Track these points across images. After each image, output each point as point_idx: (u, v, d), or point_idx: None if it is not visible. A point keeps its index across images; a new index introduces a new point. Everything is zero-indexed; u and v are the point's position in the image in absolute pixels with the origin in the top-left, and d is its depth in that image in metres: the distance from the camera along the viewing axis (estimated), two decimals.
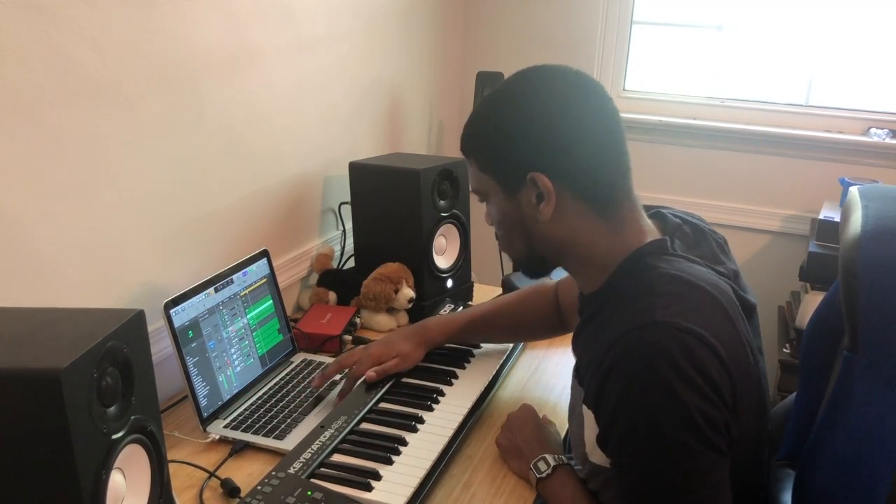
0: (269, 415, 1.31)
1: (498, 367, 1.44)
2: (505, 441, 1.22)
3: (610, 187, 0.97)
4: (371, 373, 1.33)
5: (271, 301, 1.50)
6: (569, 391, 1.41)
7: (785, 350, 2.08)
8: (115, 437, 0.83)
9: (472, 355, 1.47)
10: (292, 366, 1.48)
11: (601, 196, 0.96)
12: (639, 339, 0.85)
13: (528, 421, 1.23)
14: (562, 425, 1.31)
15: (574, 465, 1.11)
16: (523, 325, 1.45)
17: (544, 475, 1.11)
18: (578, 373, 1.04)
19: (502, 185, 1.00)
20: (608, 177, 0.96)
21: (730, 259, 1.04)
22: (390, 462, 1.13)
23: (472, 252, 1.85)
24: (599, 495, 1.05)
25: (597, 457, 0.97)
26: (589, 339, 1.01)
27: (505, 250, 1.08)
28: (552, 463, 1.11)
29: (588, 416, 0.96)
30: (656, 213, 1.05)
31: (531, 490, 1.14)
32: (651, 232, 0.99)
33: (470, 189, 1.07)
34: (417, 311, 1.70)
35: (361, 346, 1.39)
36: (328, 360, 1.50)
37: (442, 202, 1.72)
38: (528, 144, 0.96)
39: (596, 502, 1.06)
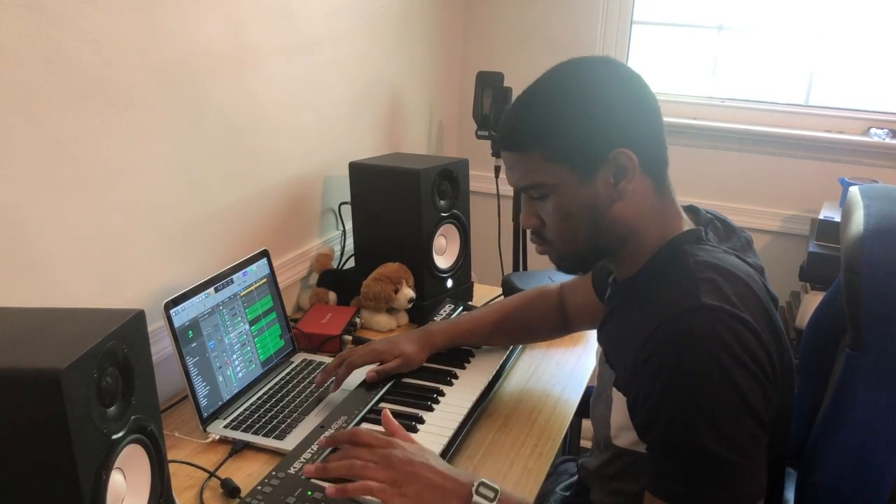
0: (269, 415, 1.31)
1: (498, 367, 1.44)
2: (409, 496, 0.96)
3: (664, 161, 1.00)
4: (371, 373, 1.33)
5: (271, 301, 1.50)
6: (569, 391, 1.42)
7: None
8: (115, 437, 0.82)
9: (472, 355, 1.47)
10: (292, 366, 1.48)
11: (660, 170, 1.00)
12: (688, 322, 0.86)
13: (426, 459, 1.01)
14: (563, 424, 1.31)
15: (587, 456, 1.11)
16: (527, 327, 1.45)
17: (495, 500, 0.96)
18: (609, 357, 1.05)
19: (578, 169, 0.96)
20: (662, 150, 1.00)
21: (756, 256, 1.06)
22: None
23: (472, 252, 1.85)
24: (615, 481, 1.05)
25: (622, 440, 0.98)
26: (622, 324, 1.02)
27: (557, 246, 1.03)
28: (495, 486, 0.97)
29: (618, 398, 0.96)
30: (690, 208, 1.07)
31: (531, 491, 1.14)
32: (685, 220, 1.02)
33: (516, 187, 1.02)
34: (417, 311, 1.70)
35: (365, 344, 1.40)
36: (328, 360, 1.50)
37: (442, 202, 1.72)
38: (609, 120, 0.95)
39: None
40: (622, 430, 0.97)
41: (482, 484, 0.96)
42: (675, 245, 0.98)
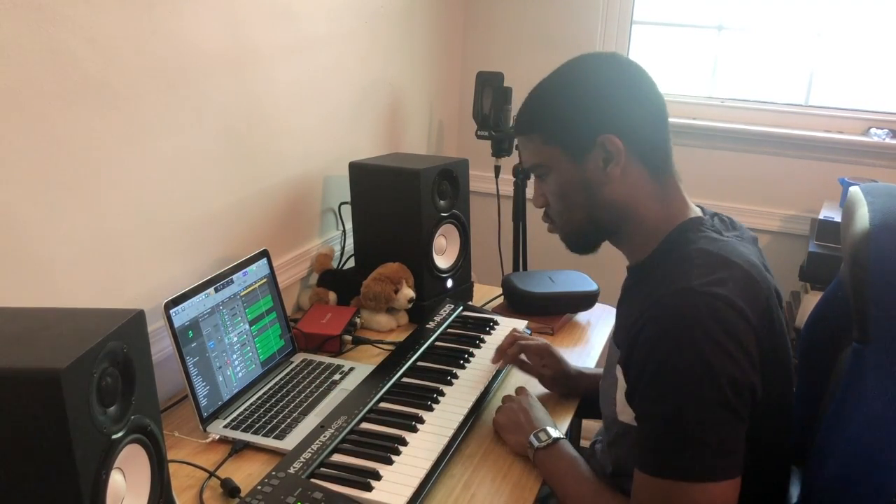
0: (269, 415, 1.31)
1: (498, 366, 1.44)
2: (504, 418, 1.26)
3: (663, 151, 1.05)
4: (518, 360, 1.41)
5: (271, 301, 1.50)
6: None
7: None
8: (115, 437, 0.82)
9: (473, 355, 1.47)
10: (292, 366, 1.48)
11: (657, 159, 1.04)
12: (673, 302, 0.91)
13: (529, 403, 1.28)
14: (563, 424, 1.31)
15: (597, 436, 1.17)
16: None
17: (544, 444, 1.16)
18: (616, 337, 1.11)
19: (570, 151, 1.05)
20: (661, 141, 1.05)
21: (761, 255, 1.09)
22: (390, 462, 1.13)
23: (472, 252, 1.85)
24: (624, 461, 1.07)
25: (626, 416, 1.01)
26: (630, 305, 1.07)
27: (559, 224, 1.12)
28: (553, 435, 1.17)
29: (621, 375, 1.00)
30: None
31: (531, 490, 1.14)
32: (692, 209, 1.07)
33: (524, 167, 1.14)
34: (417, 311, 1.70)
35: (544, 342, 1.42)
36: (328, 360, 1.51)
37: (442, 202, 1.72)
38: (598, 108, 1.03)
39: (592, 471, 1.10)
40: (626, 406, 1.01)
41: (543, 430, 1.19)
42: (680, 232, 1.03)
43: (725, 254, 0.96)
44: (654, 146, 1.04)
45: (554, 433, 1.18)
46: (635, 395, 0.96)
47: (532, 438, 1.18)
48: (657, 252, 1.04)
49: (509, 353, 1.40)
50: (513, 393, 1.35)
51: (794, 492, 1.12)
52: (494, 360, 1.43)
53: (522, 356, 1.41)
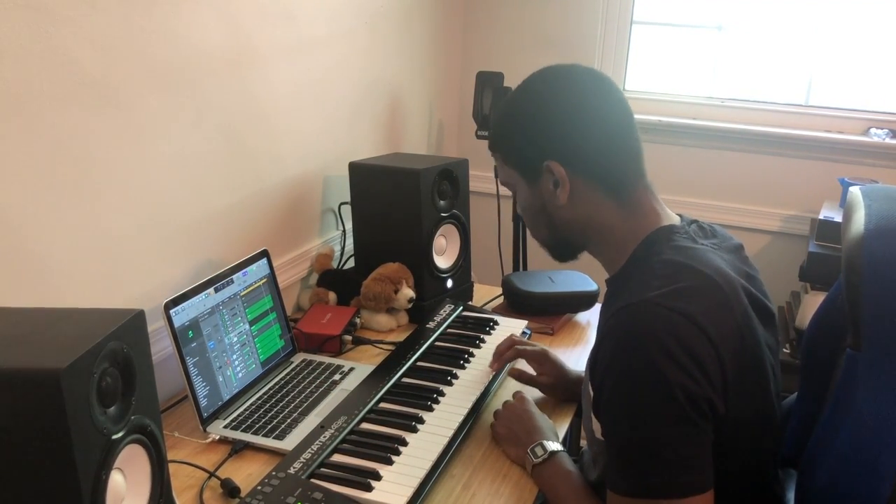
0: (269, 415, 1.31)
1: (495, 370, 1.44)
2: (503, 430, 1.25)
3: (620, 172, 1.04)
4: (516, 370, 1.40)
5: (271, 301, 1.50)
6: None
7: (785, 350, 2.07)
8: (115, 437, 0.82)
9: (473, 355, 1.47)
10: (292, 366, 1.48)
11: (613, 180, 1.04)
12: (627, 316, 0.90)
13: (526, 410, 1.27)
14: (563, 424, 1.31)
15: (584, 448, 1.15)
16: None
17: (540, 460, 1.15)
18: (590, 355, 1.09)
19: (524, 175, 1.08)
20: (618, 162, 1.03)
21: (746, 264, 1.07)
22: (390, 462, 1.13)
23: (472, 252, 1.85)
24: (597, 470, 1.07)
25: (599, 431, 1.00)
26: (601, 319, 1.06)
27: (533, 236, 1.15)
28: (549, 448, 1.16)
29: (592, 391, 1.00)
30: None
31: (531, 491, 1.14)
32: (667, 216, 1.05)
33: (499, 182, 1.14)
34: (417, 311, 1.70)
35: (541, 347, 1.42)
36: (328, 360, 1.51)
37: (442, 202, 1.72)
38: (541, 136, 1.04)
39: (588, 487, 1.09)
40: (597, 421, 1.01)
41: (539, 445, 1.17)
42: (648, 245, 1.02)
43: (691, 262, 0.94)
44: (608, 166, 1.03)
45: (551, 446, 1.16)
46: (599, 413, 0.96)
47: (529, 454, 1.17)
48: (627, 265, 1.04)
49: (506, 356, 1.39)
50: (511, 395, 1.34)
51: (790, 496, 1.12)
52: (492, 365, 1.41)
53: (520, 365, 1.41)
